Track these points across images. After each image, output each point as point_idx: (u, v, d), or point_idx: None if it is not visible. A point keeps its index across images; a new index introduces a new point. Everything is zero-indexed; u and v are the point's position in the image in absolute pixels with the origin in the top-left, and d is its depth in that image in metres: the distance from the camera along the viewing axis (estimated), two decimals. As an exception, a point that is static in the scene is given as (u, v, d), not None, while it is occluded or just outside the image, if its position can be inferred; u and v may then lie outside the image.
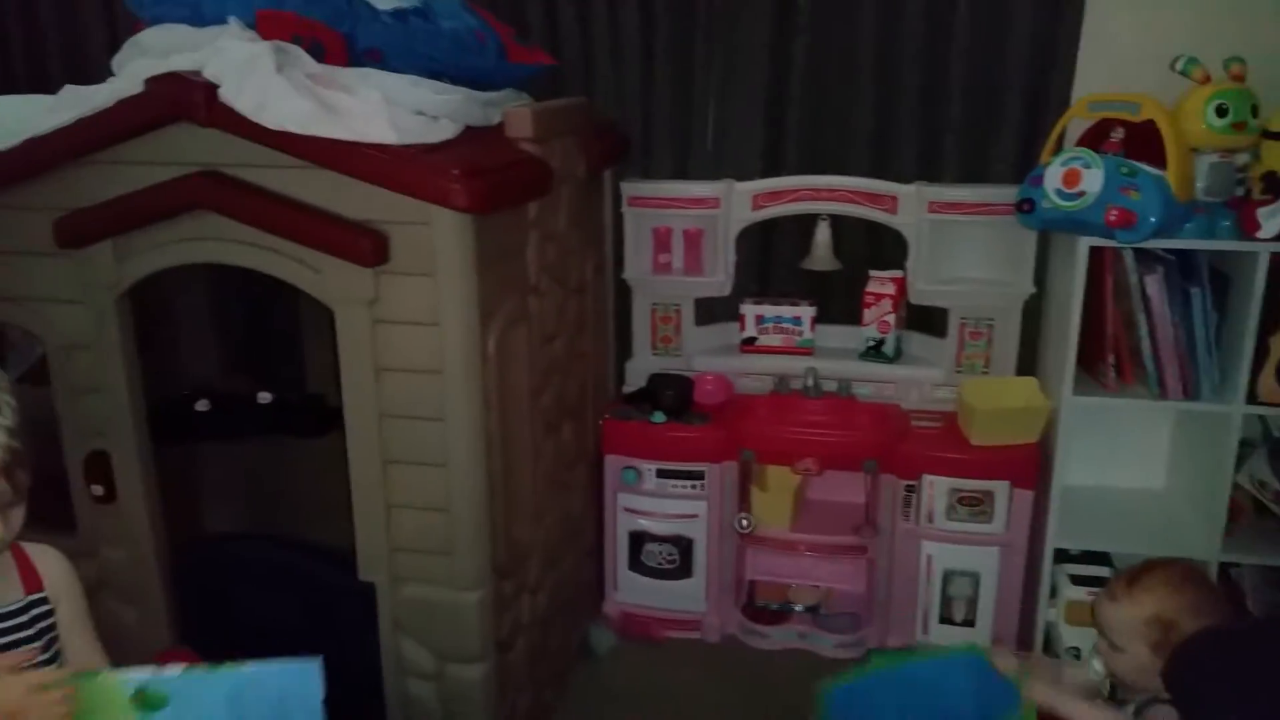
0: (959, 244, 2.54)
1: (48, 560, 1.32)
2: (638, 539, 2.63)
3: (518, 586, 2.11)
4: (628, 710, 2.39)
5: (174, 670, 1.19)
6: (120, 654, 1.43)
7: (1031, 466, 2.39)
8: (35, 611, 1.28)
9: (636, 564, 2.65)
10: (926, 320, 2.66)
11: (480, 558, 1.93)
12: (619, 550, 2.66)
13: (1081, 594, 2.42)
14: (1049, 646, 2.48)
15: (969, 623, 2.50)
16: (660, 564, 2.62)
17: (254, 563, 2.12)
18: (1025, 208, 2.27)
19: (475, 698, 1.99)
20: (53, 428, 2.05)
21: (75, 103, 1.88)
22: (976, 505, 2.42)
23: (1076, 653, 2.40)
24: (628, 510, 2.62)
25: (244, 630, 2.05)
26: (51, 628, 1.29)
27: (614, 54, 2.65)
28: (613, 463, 2.60)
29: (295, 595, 2.07)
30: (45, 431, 2.02)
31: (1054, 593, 2.46)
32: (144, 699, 1.17)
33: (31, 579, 1.29)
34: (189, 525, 2.24)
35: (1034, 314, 2.57)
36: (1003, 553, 2.44)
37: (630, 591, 2.67)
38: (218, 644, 1.80)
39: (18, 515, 1.20)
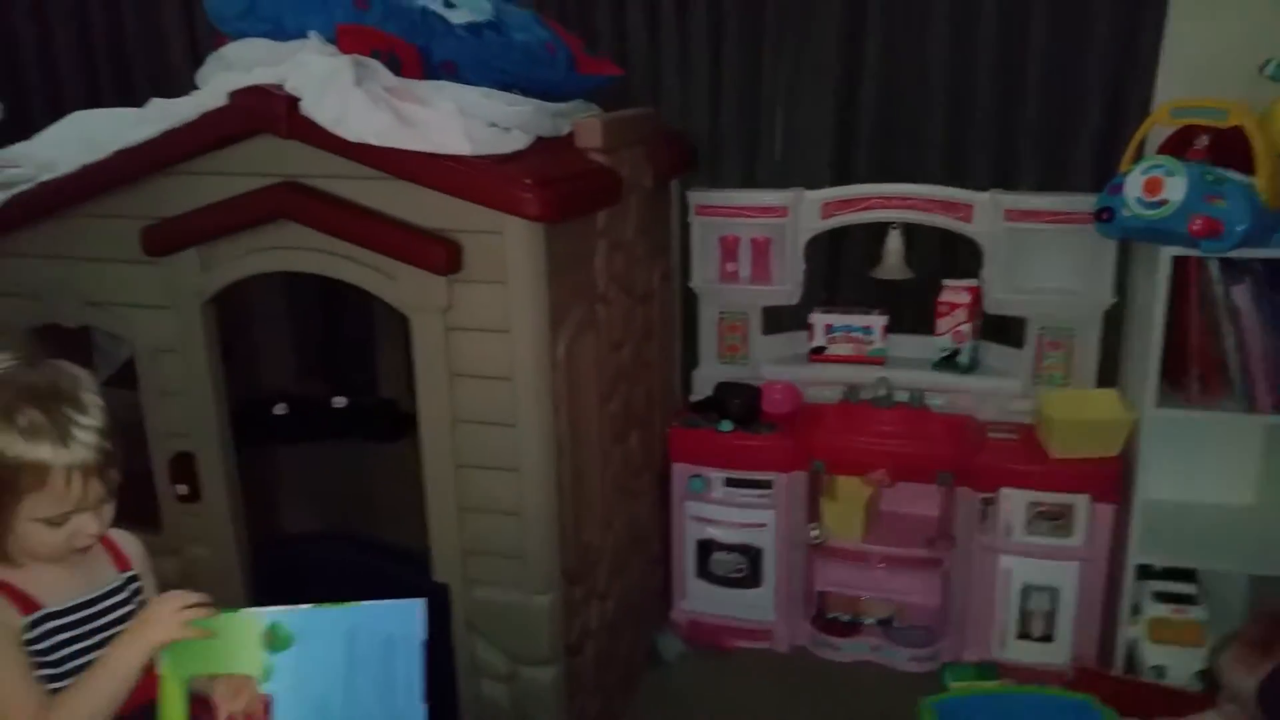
0: (1036, 253, 2.49)
1: (129, 541, 1.40)
2: (705, 547, 2.62)
3: (587, 591, 2.12)
4: (695, 715, 2.39)
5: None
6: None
7: (1113, 480, 2.33)
8: (132, 587, 1.35)
9: (704, 572, 2.64)
10: (1003, 330, 2.61)
11: (550, 562, 1.95)
12: (687, 558, 2.65)
13: (1166, 611, 2.37)
14: (1131, 665, 2.41)
15: (1047, 638, 2.44)
16: (729, 573, 2.61)
17: (330, 562, 2.16)
18: (1104, 217, 2.22)
19: (546, 700, 2.01)
20: (138, 429, 2.13)
21: (162, 115, 1.95)
22: (1056, 519, 2.36)
23: (1161, 671, 2.33)
24: (695, 518, 2.61)
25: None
26: (144, 602, 1.36)
27: (681, 63, 2.66)
28: (680, 471, 2.60)
29: (371, 595, 2.09)
30: (130, 433, 2.09)
31: (1136, 610, 2.40)
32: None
33: (121, 559, 1.37)
34: (267, 525, 2.30)
35: (1115, 324, 2.50)
36: (1083, 568, 2.38)
37: (698, 600, 2.67)
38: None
39: (109, 512, 1.26)
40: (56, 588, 1.27)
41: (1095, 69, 2.42)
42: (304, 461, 2.56)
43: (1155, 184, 2.12)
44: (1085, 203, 2.32)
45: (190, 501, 2.13)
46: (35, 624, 1.23)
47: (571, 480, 1.98)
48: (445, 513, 1.95)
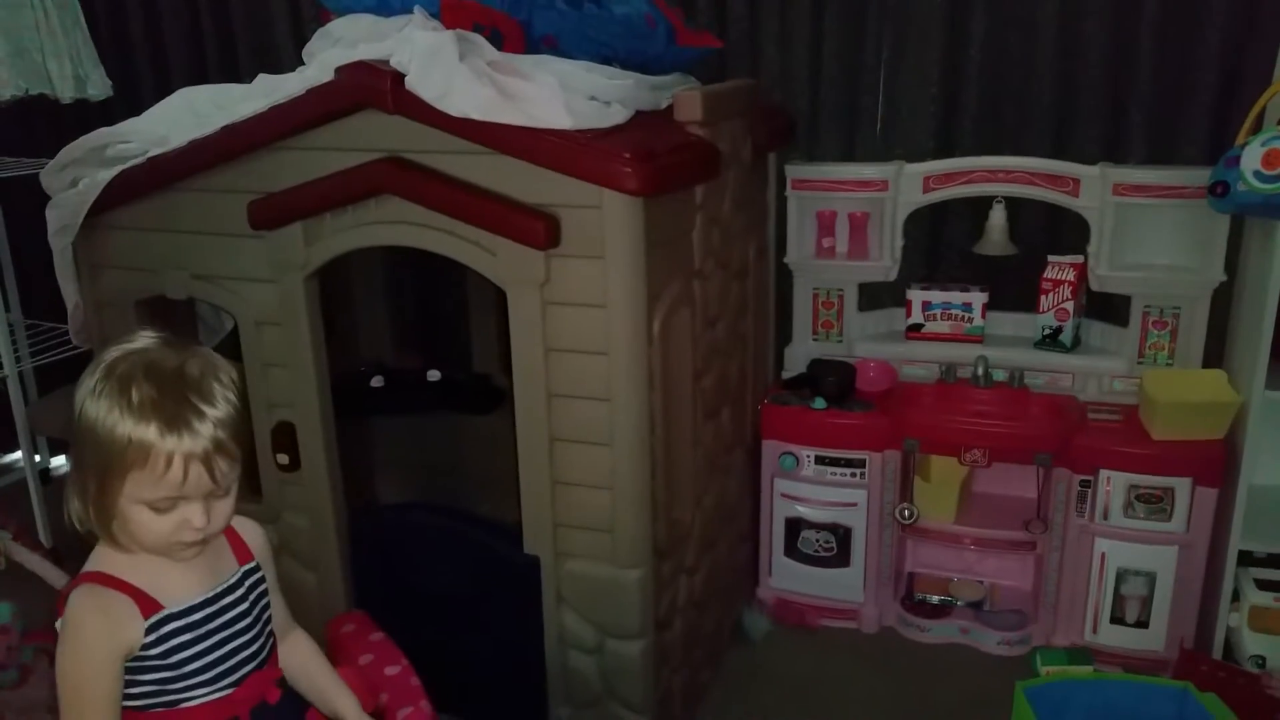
0: (1144, 228, 2.41)
1: (250, 530, 1.38)
2: (794, 525, 2.60)
3: (676, 567, 2.12)
4: (782, 695, 2.39)
5: None
6: (301, 616, 1.52)
7: (1217, 464, 2.26)
8: (250, 580, 1.34)
9: (792, 550, 2.63)
10: (1107, 308, 2.53)
11: (641, 536, 1.95)
12: (775, 536, 2.64)
13: (1268, 599, 2.30)
14: (1229, 653, 2.35)
15: (1142, 624, 2.39)
16: (817, 551, 2.60)
17: (424, 532, 2.19)
18: (1219, 191, 2.13)
19: (634, 673, 2.02)
20: (242, 400, 2.18)
21: (269, 90, 1.98)
22: (1156, 502, 2.30)
23: (1261, 661, 2.26)
24: (785, 496, 2.59)
25: (414, 597, 2.15)
26: (264, 595, 1.36)
27: (781, 34, 2.61)
28: (771, 448, 2.58)
29: (463, 565, 2.14)
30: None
31: (1236, 597, 2.33)
32: None
33: (241, 550, 1.35)
34: (363, 495, 2.35)
35: (1223, 303, 2.41)
36: (1182, 553, 2.31)
37: (785, 578, 2.66)
38: (390, 610, 1.91)
39: (222, 507, 1.22)
40: (177, 586, 1.24)
41: (1212, 36, 2.32)
42: (399, 433, 2.60)
43: (1275, 157, 2.03)
44: (1198, 176, 2.24)
45: (290, 470, 2.18)
46: (154, 627, 1.21)
47: (663, 456, 1.97)
48: (538, 486, 1.96)
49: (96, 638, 1.19)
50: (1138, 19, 2.37)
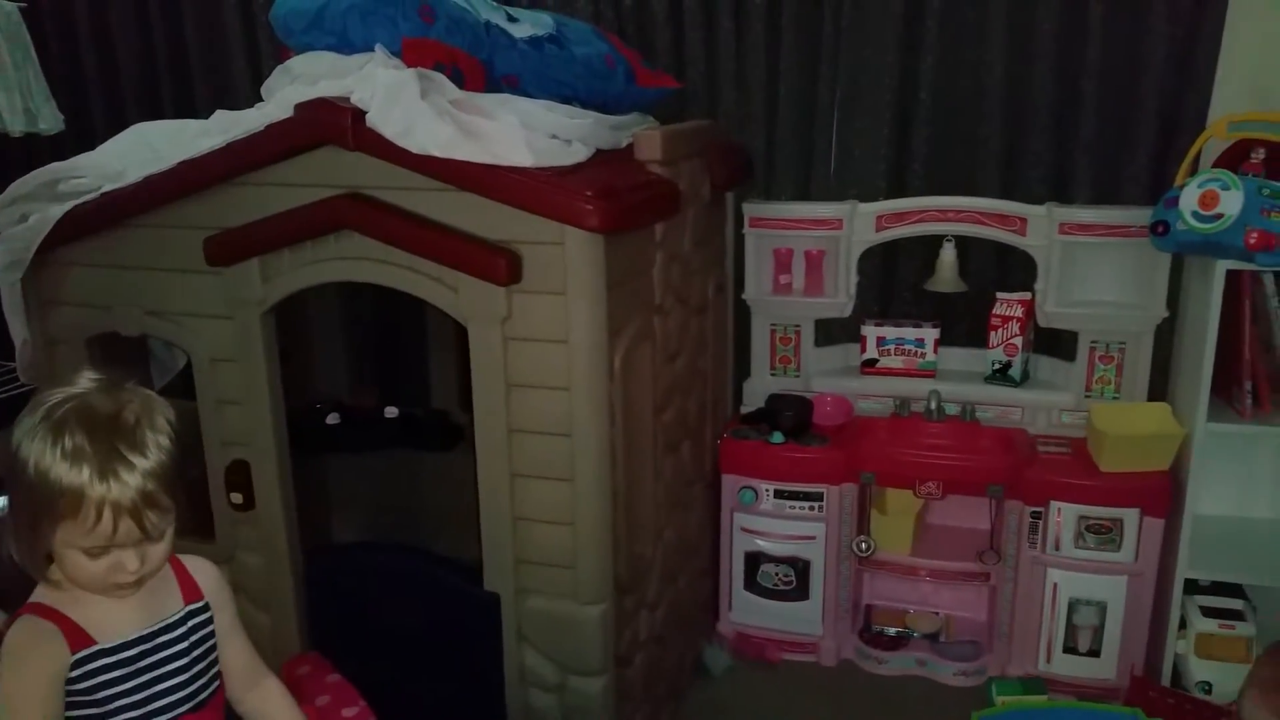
0: (1090, 266, 2.48)
1: (203, 570, 1.36)
2: (754, 559, 2.62)
3: (637, 602, 2.12)
4: (742, 730, 2.39)
5: None
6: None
7: (1163, 494, 2.32)
8: (193, 622, 1.31)
9: (752, 584, 2.64)
10: (1055, 343, 2.60)
11: (602, 572, 1.95)
12: (735, 570, 2.65)
13: (1213, 626, 2.35)
14: (1177, 680, 2.40)
15: (1094, 653, 2.43)
16: (776, 585, 2.61)
17: (382, 570, 2.17)
18: (1160, 230, 2.22)
19: (595, 711, 2.01)
20: (193, 438, 2.14)
21: (226, 126, 1.97)
22: (1105, 533, 2.35)
23: (1207, 687, 2.31)
24: (745, 530, 2.61)
25: (371, 637, 2.11)
26: (209, 635, 1.33)
27: (738, 75, 2.66)
28: (730, 482, 2.59)
29: (422, 603, 2.11)
30: (185, 442, 2.11)
31: (1183, 624, 2.38)
32: None
33: (190, 589, 1.33)
34: (319, 534, 2.32)
35: (1166, 338, 2.49)
36: (1131, 582, 2.36)
37: (745, 612, 2.66)
38: (347, 650, 1.88)
39: (157, 551, 1.21)
40: (112, 622, 1.23)
41: (1151, 82, 2.41)
42: (354, 471, 2.57)
43: (1211, 198, 2.12)
44: (1140, 216, 2.32)
45: (245, 509, 2.14)
46: (81, 662, 1.20)
47: (625, 491, 1.98)
48: (498, 522, 1.95)
49: (35, 663, 1.19)
50: (1081, 65, 2.45)
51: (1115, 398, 2.51)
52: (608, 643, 1.98)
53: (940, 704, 2.44)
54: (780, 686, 2.54)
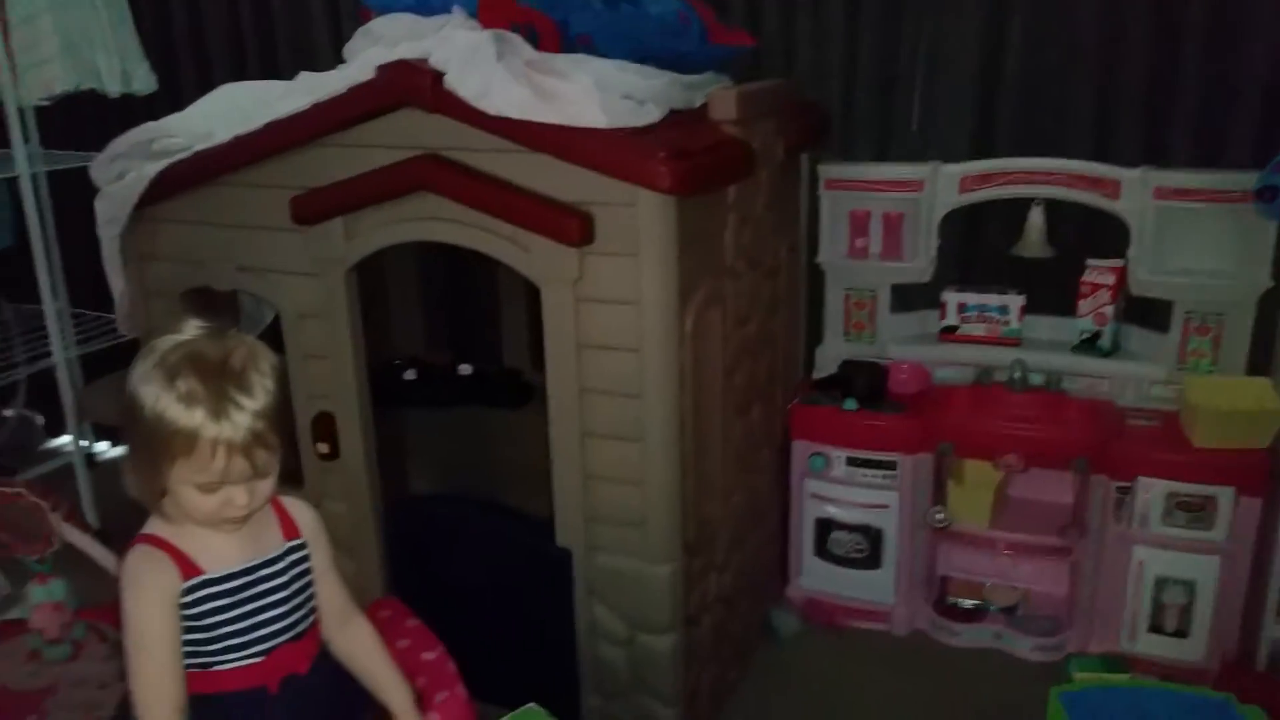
0: (1187, 232, 2.37)
1: (301, 511, 1.44)
2: (824, 526, 2.60)
3: (705, 563, 2.13)
4: (810, 696, 2.38)
5: None
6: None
7: (1261, 473, 2.21)
8: (292, 558, 1.38)
9: (823, 551, 2.62)
10: (1146, 313, 2.49)
11: (671, 532, 1.97)
12: (804, 536, 2.64)
13: (1315, 612, 2.25)
14: (1275, 664, 2.30)
15: (1181, 633, 2.35)
16: (848, 552, 2.59)
17: (458, 523, 2.23)
18: (1266, 196, 2.11)
19: (664, 667, 2.04)
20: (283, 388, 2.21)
21: (311, 88, 2.01)
22: (1196, 510, 2.26)
23: (1305, 673, 2.23)
24: (815, 496, 2.59)
25: (447, 586, 2.18)
26: (306, 572, 1.40)
27: (816, 31, 2.60)
28: (800, 448, 2.57)
29: (496, 556, 2.17)
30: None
31: (1282, 608, 2.28)
32: None
33: (289, 528, 1.41)
34: (397, 485, 2.38)
35: (1270, 309, 2.36)
36: (1224, 562, 2.27)
37: (815, 578, 2.65)
38: (423, 598, 1.93)
39: (264, 488, 1.29)
40: (218, 554, 1.31)
41: (1261, 33, 2.27)
42: (430, 425, 2.63)
43: (1325, 161, 2.00)
44: (1244, 181, 2.20)
45: (330, 459, 2.22)
46: (191, 590, 1.28)
47: (694, 452, 1.99)
48: (570, 480, 1.99)
49: (152, 584, 1.28)
50: (1183, 17, 2.33)
51: (1211, 371, 2.40)
52: (676, 601, 2.01)
53: (1016, 679, 2.39)
54: (849, 653, 2.53)
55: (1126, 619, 2.39)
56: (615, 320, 1.86)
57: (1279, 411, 2.22)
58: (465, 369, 2.68)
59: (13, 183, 2.88)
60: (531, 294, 1.95)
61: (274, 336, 2.22)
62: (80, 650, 1.94)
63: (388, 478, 2.27)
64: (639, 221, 1.79)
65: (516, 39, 1.85)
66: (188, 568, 1.29)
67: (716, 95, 1.99)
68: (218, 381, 1.21)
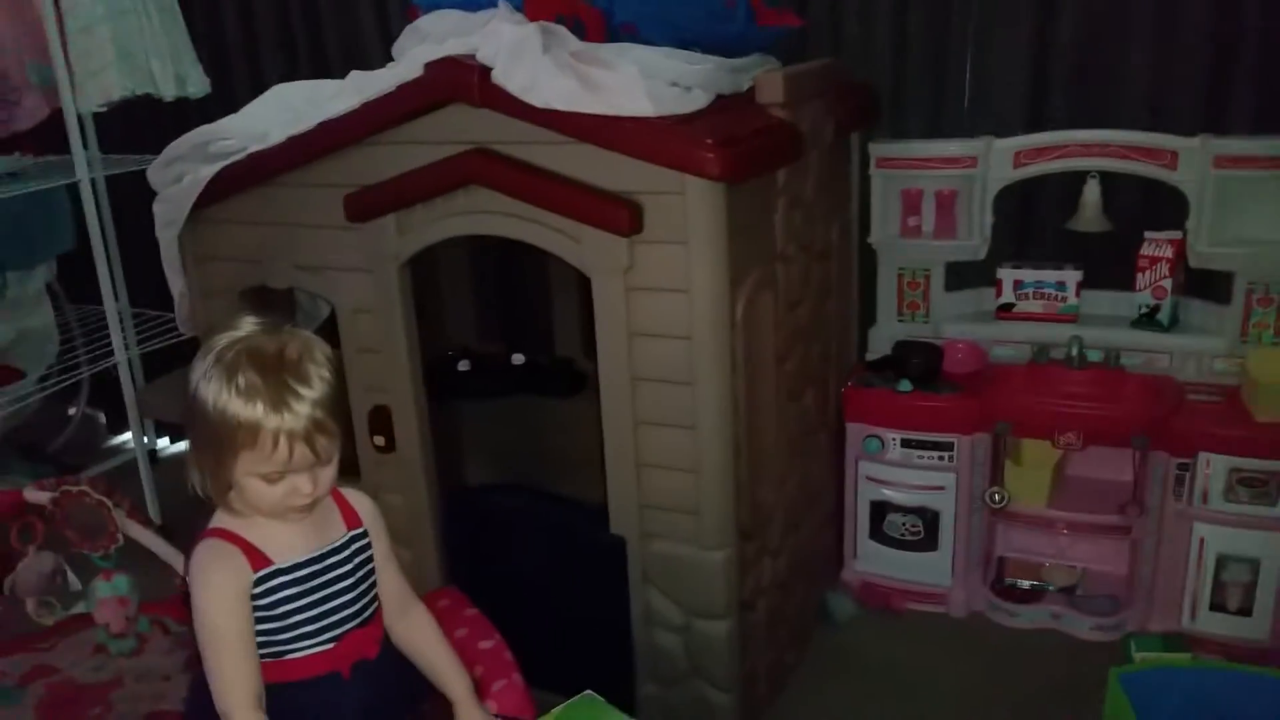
0: (1248, 202, 2.30)
1: (361, 501, 1.47)
2: (879, 508, 2.58)
3: (760, 548, 2.13)
4: (868, 678, 2.38)
5: None
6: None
7: (1327, 448, 2.16)
8: (355, 545, 1.42)
9: (878, 533, 2.61)
10: (1207, 285, 2.43)
11: (725, 518, 1.97)
12: (860, 519, 2.63)
13: (1387, 590, 2.20)
14: (1342, 646, 2.26)
15: (1244, 611, 2.31)
16: (903, 535, 2.57)
17: (513, 512, 2.25)
18: (1331, 160, 2.05)
19: (720, 652, 2.05)
20: (338, 378, 2.25)
21: (361, 87, 2.03)
22: (1259, 486, 2.22)
23: (1375, 655, 2.18)
24: (870, 479, 2.58)
25: (503, 575, 2.20)
26: (368, 560, 1.44)
27: (863, 9, 2.57)
28: (855, 431, 2.56)
29: (551, 544, 2.19)
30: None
31: (1352, 588, 2.23)
32: None
33: (351, 517, 1.44)
34: (453, 475, 2.41)
35: (1336, 280, 2.30)
36: (1289, 539, 2.23)
37: (871, 561, 2.64)
38: (480, 587, 1.95)
39: (325, 475, 1.32)
40: (286, 545, 1.34)
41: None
42: (484, 415, 2.66)
43: (1394, 125, 1.94)
44: (1309, 147, 2.15)
45: (386, 452, 2.25)
46: (262, 580, 1.31)
47: (747, 438, 1.98)
48: (623, 468, 2.00)
49: (223, 579, 1.31)
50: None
51: (1275, 343, 2.35)
52: (731, 587, 2.01)
53: (1075, 659, 2.38)
54: (906, 636, 2.52)
55: (1187, 597, 2.35)
56: (666, 308, 1.86)
57: (1346, 384, 2.17)
58: (518, 359, 2.70)
59: (73, 188, 2.95)
60: (583, 284, 1.95)
61: (329, 333, 2.26)
62: (145, 644, 1.99)
63: (443, 469, 2.30)
64: (688, 209, 1.78)
65: (562, 30, 1.86)
66: (257, 559, 1.32)
67: (763, 78, 1.97)
68: (276, 374, 1.24)
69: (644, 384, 1.94)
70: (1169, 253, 2.39)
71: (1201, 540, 2.30)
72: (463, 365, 2.65)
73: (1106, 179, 2.44)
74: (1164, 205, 2.42)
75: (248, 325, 1.29)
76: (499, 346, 2.78)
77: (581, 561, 2.13)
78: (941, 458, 2.48)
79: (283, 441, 1.24)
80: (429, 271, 2.41)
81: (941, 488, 2.50)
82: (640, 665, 2.13)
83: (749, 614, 2.10)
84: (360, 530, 1.43)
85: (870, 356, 2.72)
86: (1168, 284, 2.41)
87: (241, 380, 1.23)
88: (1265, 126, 2.32)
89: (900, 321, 2.70)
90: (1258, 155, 2.26)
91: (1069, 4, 2.41)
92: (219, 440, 1.25)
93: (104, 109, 2.91)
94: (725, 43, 2.08)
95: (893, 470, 2.54)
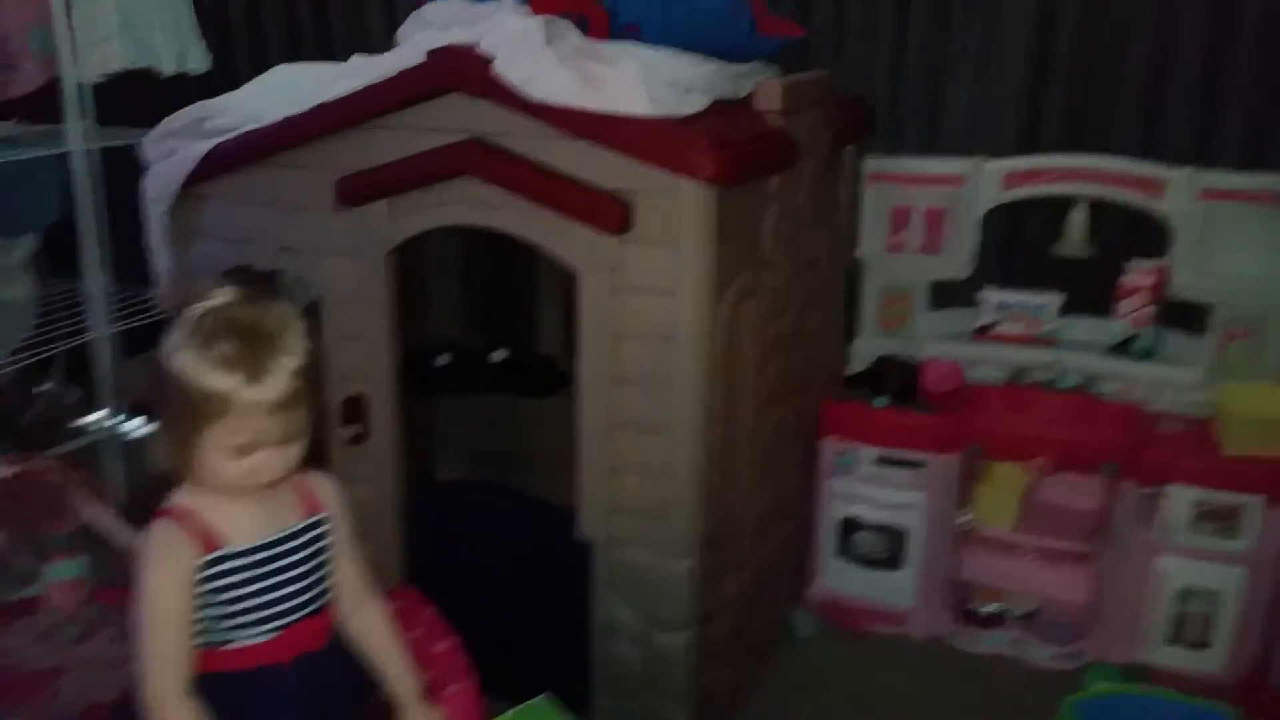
0: (1233, 234, 2.34)
1: (325, 486, 1.44)
2: (848, 525, 2.58)
3: (726, 560, 2.11)
4: (828, 698, 2.36)
5: None
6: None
7: (1291, 483, 2.19)
8: (313, 533, 1.39)
9: (845, 551, 2.60)
10: (1185, 317, 2.47)
11: (694, 527, 1.95)
12: (828, 535, 2.61)
13: (1343, 629, 2.23)
14: (1297, 679, 2.28)
15: (1203, 644, 2.33)
16: (870, 553, 2.56)
17: (480, 511, 2.23)
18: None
19: (677, 665, 2.02)
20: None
21: (363, 70, 2.02)
22: (1224, 520, 2.24)
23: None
24: (840, 495, 2.57)
25: (465, 576, 2.15)
26: (325, 549, 1.41)
27: (865, 23, 2.60)
28: (830, 445, 2.55)
29: (516, 546, 2.16)
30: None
31: (1310, 624, 2.26)
32: None
33: (312, 503, 1.41)
34: (423, 470, 2.38)
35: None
36: (1250, 574, 2.25)
37: (836, 578, 2.62)
38: (440, 587, 1.89)
39: (294, 452, 1.30)
40: (243, 526, 1.32)
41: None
42: (461, 411, 2.63)
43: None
44: (1293, 182, 2.18)
45: (358, 443, 2.21)
46: (211, 563, 1.29)
47: (721, 446, 1.97)
48: (596, 470, 1.98)
49: (170, 559, 1.28)
50: (1235, 13, 2.31)
51: (1249, 378, 2.37)
52: (694, 598, 1.99)
53: (1032, 686, 2.37)
54: (867, 657, 2.50)
55: (1147, 628, 2.36)
56: (651, 309, 1.86)
57: (1314, 421, 2.20)
58: (499, 355, 2.67)
59: (63, 159, 2.91)
60: (569, 281, 1.95)
61: (310, 321, 2.24)
62: (93, 632, 1.93)
63: (414, 463, 2.27)
64: (679, 211, 1.79)
65: (566, 25, 1.86)
66: (209, 540, 1.30)
67: (762, 86, 1.98)
68: (251, 343, 1.22)
69: (623, 385, 1.92)
70: (1150, 282, 2.42)
71: (1164, 571, 2.32)
72: (442, 360, 2.62)
73: (1094, 204, 2.47)
74: (1150, 233, 2.45)
75: (225, 294, 1.28)
76: (482, 339, 2.76)
77: (547, 565, 2.11)
78: (913, 476, 2.47)
79: (257, 413, 1.22)
80: (416, 262, 2.39)
81: (911, 506, 2.49)
82: (598, 675, 2.09)
83: (710, 627, 2.07)
84: (321, 516, 1.41)
85: (850, 370, 2.72)
86: (1147, 313, 2.44)
87: (216, 350, 1.21)
88: (1253, 160, 2.36)
89: (881, 336, 2.71)
90: (1244, 189, 2.30)
91: (1066, 28, 2.45)
92: (191, 410, 1.22)
93: (103, 80, 2.88)
94: (727, 49, 2.09)
95: (865, 487, 2.53)
